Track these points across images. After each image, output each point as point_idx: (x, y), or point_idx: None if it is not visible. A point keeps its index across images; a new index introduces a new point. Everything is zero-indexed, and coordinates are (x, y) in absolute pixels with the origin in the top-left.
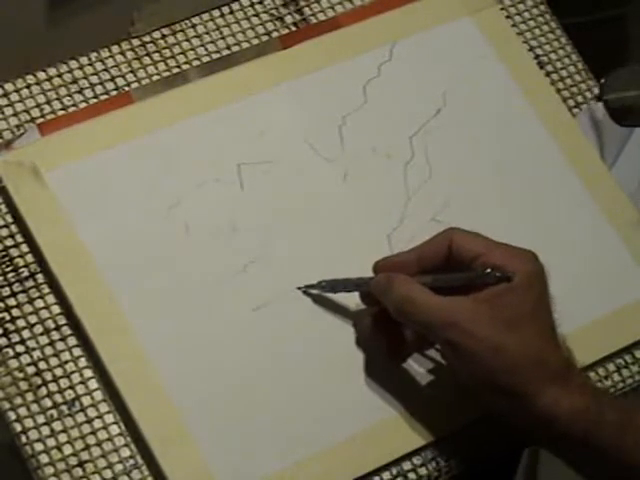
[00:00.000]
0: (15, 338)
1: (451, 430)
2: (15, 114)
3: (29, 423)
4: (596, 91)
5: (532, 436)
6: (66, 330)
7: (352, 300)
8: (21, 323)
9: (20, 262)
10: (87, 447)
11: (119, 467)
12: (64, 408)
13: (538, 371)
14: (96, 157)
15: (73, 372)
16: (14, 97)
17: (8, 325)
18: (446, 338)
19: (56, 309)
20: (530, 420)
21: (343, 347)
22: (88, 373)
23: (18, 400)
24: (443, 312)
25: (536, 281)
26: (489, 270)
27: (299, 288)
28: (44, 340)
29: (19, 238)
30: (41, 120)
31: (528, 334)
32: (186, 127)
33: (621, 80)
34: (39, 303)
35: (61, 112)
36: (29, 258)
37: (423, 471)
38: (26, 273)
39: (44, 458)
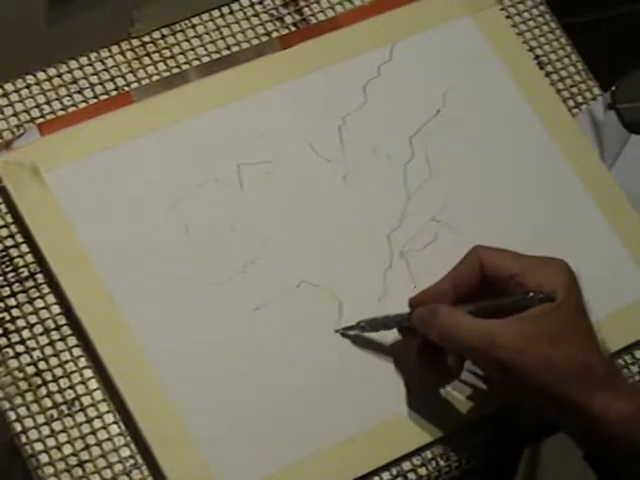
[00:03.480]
0: (15, 338)
1: (451, 430)
2: (15, 114)
3: (29, 423)
4: (596, 91)
5: (585, 442)
6: (66, 330)
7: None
8: (21, 323)
9: (20, 262)
10: (87, 447)
11: (119, 467)
12: (64, 408)
13: (586, 379)
14: (96, 157)
15: (73, 372)
16: (14, 97)
17: (8, 325)
18: (495, 358)
19: (56, 309)
20: (582, 427)
21: (344, 348)
22: (88, 373)
23: (18, 400)
24: (490, 335)
25: (573, 291)
26: (532, 294)
27: (337, 331)
28: (44, 340)
29: (19, 238)
30: (41, 120)
31: (572, 345)
32: (186, 127)
33: (632, 88)
34: (39, 303)
35: (61, 112)
36: (29, 258)
37: (423, 471)
38: (26, 273)
39: (44, 458)
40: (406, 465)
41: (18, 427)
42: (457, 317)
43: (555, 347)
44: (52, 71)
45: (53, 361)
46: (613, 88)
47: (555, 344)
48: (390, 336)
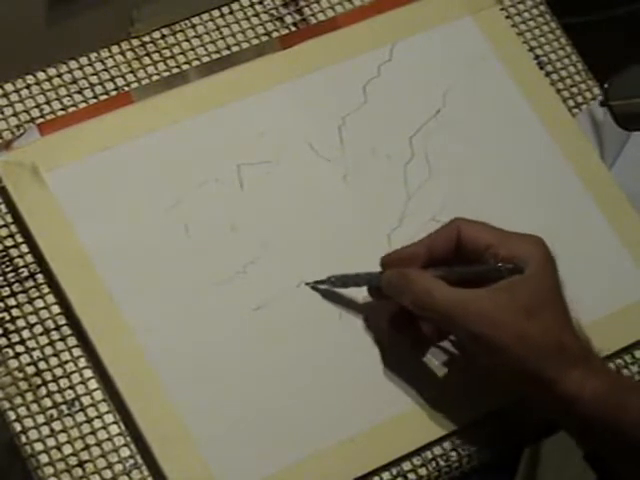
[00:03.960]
0: (15, 338)
1: (451, 430)
2: (15, 114)
3: (29, 423)
4: (596, 91)
5: (557, 420)
6: (66, 330)
7: (359, 295)
8: (21, 323)
9: (20, 262)
10: (87, 447)
11: (119, 467)
12: (64, 408)
13: (560, 356)
14: (96, 157)
15: (73, 372)
16: (14, 97)
17: (8, 325)
18: (469, 329)
19: (56, 309)
20: (555, 404)
21: (343, 348)
22: (88, 373)
23: (18, 400)
24: (464, 304)
25: (548, 266)
26: (501, 264)
27: (307, 284)
28: (44, 340)
29: (19, 238)
30: (41, 120)
31: (548, 320)
32: (186, 127)
33: (625, 85)
34: (39, 303)
35: (61, 112)
36: (29, 258)
37: (423, 471)
38: (26, 273)
39: (44, 458)
40: (406, 465)
41: (18, 427)
42: (430, 283)
43: (530, 320)
44: (52, 71)
45: (53, 361)
46: (606, 85)
47: (531, 317)
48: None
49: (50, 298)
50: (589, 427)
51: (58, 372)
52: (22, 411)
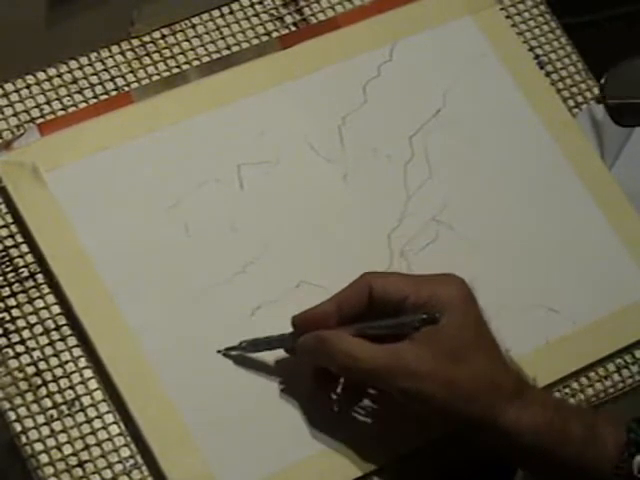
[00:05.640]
0: (15, 338)
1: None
2: (15, 114)
3: (29, 423)
4: (596, 91)
5: (503, 455)
6: (66, 330)
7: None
8: (21, 323)
9: (20, 262)
10: (87, 447)
11: (119, 467)
12: (64, 408)
13: (494, 395)
14: (96, 157)
15: (73, 372)
16: (14, 97)
17: (8, 325)
18: (396, 386)
19: (56, 309)
20: (496, 441)
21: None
22: (88, 373)
23: (18, 400)
24: (386, 361)
25: (469, 305)
26: (413, 317)
27: (219, 351)
28: (44, 340)
29: (19, 238)
30: (41, 120)
31: (476, 361)
32: (186, 127)
33: (621, 80)
34: (39, 303)
35: (61, 112)
36: (29, 258)
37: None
38: (26, 273)
39: (44, 458)
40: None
41: (18, 427)
42: (350, 344)
43: (457, 365)
44: (52, 71)
45: (53, 361)
46: (602, 81)
47: (457, 362)
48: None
49: (50, 298)
50: (531, 458)
51: (58, 372)
52: (22, 411)
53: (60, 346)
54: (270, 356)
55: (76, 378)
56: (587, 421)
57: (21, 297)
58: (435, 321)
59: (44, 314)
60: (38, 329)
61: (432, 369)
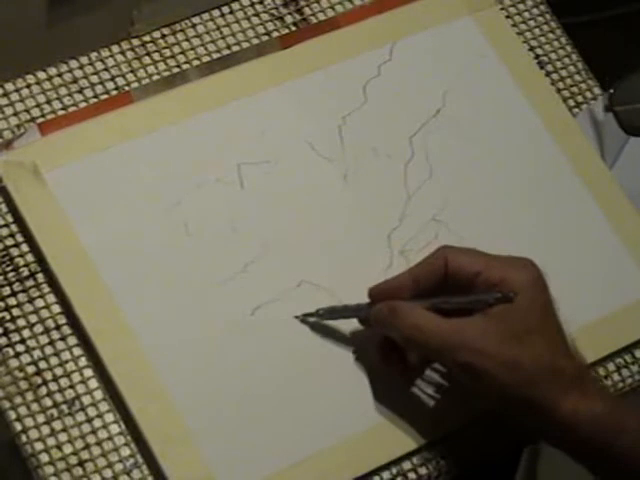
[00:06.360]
0: (15, 337)
1: (451, 429)
2: (15, 114)
3: (29, 422)
4: (596, 91)
5: (555, 444)
6: (66, 329)
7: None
8: (21, 322)
9: (20, 262)
10: (87, 446)
11: (119, 466)
12: (64, 407)
13: (554, 381)
14: (96, 157)
15: (73, 371)
16: (14, 97)
17: (8, 324)
18: (459, 361)
19: (56, 308)
20: (552, 429)
21: (344, 350)
22: (88, 372)
23: (18, 399)
24: (453, 335)
25: (538, 289)
26: (488, 294)
27: (296, 317)
28: (44, 339)
29: (19, 238)
30: (41, 120)
31: (540, 345)
32: (186, 127)
33: (631, 90)
34: (39, 302)
35: (61, 112)
36: (29, 258)
37: (423, 471)
38: (26, 272)
39: (44, 457)
40: (406, 465)
41: (18, 426)
42: (419, 318)
43: (521, 347)
44: (52, 70)
45: (53, 360)
46: (611, 91)
47: (521, 344)
48: (352, 326)
49: (50, 297)
50: (586, 449)
51: (58, 371)
52: (22, 410)
53: (60, 345)
54: (271, 356)
55: (76, 377)
56: None
57: (21, 296)
58: (510, 300)
59: (44, 313)
60: (38, 328)
61: (498, 347)
